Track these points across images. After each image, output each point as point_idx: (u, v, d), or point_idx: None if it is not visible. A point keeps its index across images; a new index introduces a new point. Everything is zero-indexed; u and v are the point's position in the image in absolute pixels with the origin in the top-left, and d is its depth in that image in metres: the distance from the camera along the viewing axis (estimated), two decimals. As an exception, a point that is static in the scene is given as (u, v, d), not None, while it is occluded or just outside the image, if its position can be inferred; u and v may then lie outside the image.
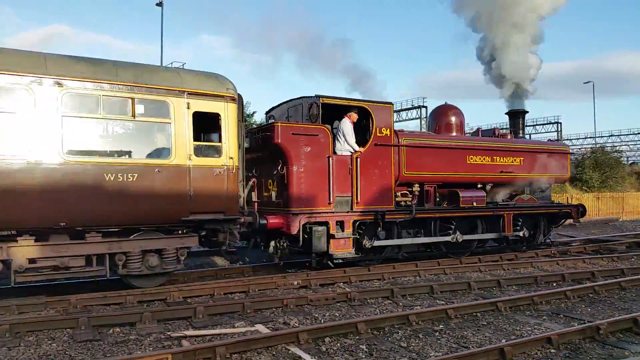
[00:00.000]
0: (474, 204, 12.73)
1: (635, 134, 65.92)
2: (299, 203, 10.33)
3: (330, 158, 10.65)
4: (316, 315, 7.73)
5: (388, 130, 11.50)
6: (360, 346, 6.24)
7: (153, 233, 8.91)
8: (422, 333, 6.79)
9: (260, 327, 7.03)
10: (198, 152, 8.98)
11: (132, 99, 8.39)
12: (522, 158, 14.02)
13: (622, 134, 66.39)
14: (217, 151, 9.16)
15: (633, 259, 13.15)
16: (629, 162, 52.48)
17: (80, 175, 7.97)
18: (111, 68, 8.43)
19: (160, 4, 39.53)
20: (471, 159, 13.07)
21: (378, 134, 11.35)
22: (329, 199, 10.64)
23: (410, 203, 12.05)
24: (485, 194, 13.19)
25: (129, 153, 8.65)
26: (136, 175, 8.35)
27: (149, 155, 8.76)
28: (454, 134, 13.78)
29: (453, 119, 13.90)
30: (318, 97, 10.79)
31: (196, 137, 9.04)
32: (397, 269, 11.60)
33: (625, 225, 26.07)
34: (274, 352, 6.01)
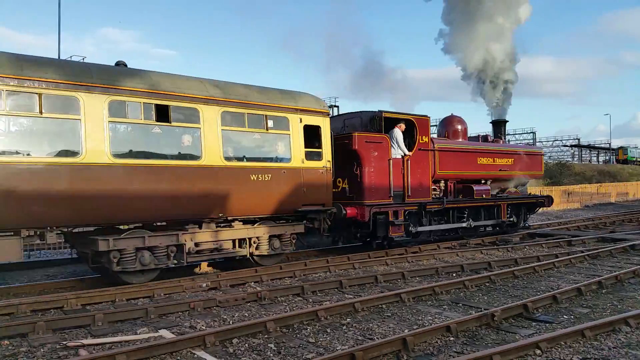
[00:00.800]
0: (483, 196, 15.74)
1: (528, 132, 72.42)
2: (369, 197, 12.69)
3: (390, 160, 13.11)
4: (225, 317, 7.60)
5: (427, 137, 14.12)
6: (269, 345, 6.22)
7: (269, 222, 11.21)
8: (330, 328, 6.89)
9: (164, 333, 6.79)
10: (307, 156, 11.56)
11: (265, 115, 10.89)
12: (512, 159, 17.32)
13: (516, 132, 72.05)
14: (319, 156, 11.78)
15: (525, 249, 14.18)
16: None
17: (235, 176, 10.37)
18: (255, 92, 11.00)
19: (57, -5, 37.06)
20: (480, 160, 16.16)
21: (420, 141, 13.89)
22: (390, 193, 13.11)
23: (439, 196, 14.73)
24: (489, 188, 16.25)
25: (264, 158, 11.05)
26: (270, 175, 10.85)
27: (277, 160, 11.20)
28: (460, 139, 16.28)
29: (459, 127, 16.49)
30: (381, 112, 13.32)
31: (305, 145, 11.52)
32: (309, 265, 11.71)
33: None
34: (178, 357, 5.83)
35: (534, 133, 73.82)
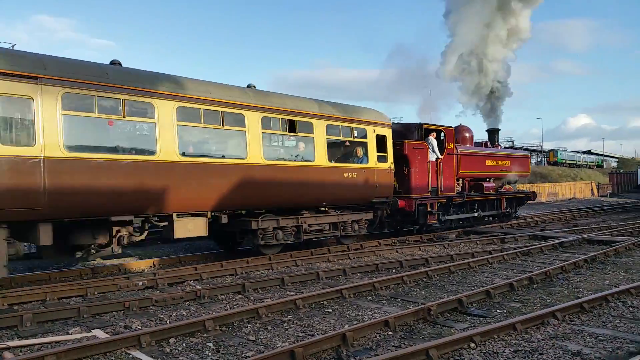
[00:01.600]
0: (490, 191, 19.38)
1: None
2: (415, 192, 15.91)
3: (429, 163, 16.45)
4: (162, 316, 7.40)
5: (452, 144, 17.67)
6: (208, 344, 6.11)
7: (348, 210, 14.05)
8: (271, 325, 6.85)
9: (98, 332, 6.54)
10: (378, 159, 14.54)
11: (352, 127, 13.90)
12: (509, 161, 21.02)
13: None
14: (385, 159, 14.79)
15: (461, 246, 14.65)
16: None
17: (336, 173, 13.37)
18: (348, 109, 14.14)
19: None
20: (487, 162, 19.80)
21: (448, 147, 17.38)
22: (428, 189, 16.47)
23: (459, 192, 18.14)
24: (494, 185, 19.91)
25: (352, 160, 14.11)
26: (356, 174, 13.85)
27: (359, 161, 14.12)
28: (468, 145, 19.41)
29: (467, 135, 19.68)
30: (422, 123, 16.78)
31: (377, 150, 14.49)
32: (251, 263, 11.61)
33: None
34: (112, 358, 5.62)
35: (512, 142, 75.50)
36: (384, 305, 7.97)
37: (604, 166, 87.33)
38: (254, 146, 11.43)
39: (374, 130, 14.46)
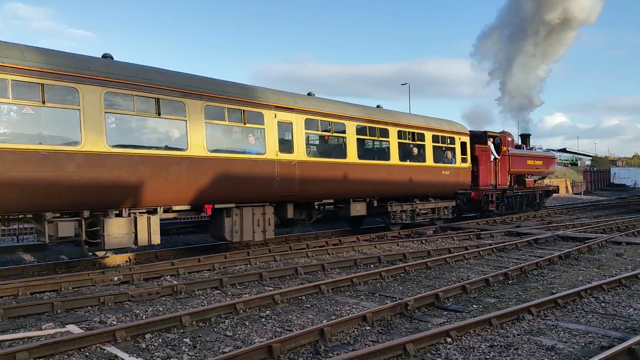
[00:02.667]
0: (530, 185, 25.01)
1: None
2: (482, 185, 20.57)
3: (491, 162, 21.35)
4: (137, 312, 7.31)
5: (506, 147, 22.68)
6: (184, 339, 6.05)
7: (439, 199, 18.53)
8: (249, 320, 6.82)
9: (72, 328, 6.43)
10: (462, 160, 18.99)
11: (446, 137, 18.37)
12: (542, 161, 26.38)
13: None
14: (466, 160, 19.30)
15: (438, 242, 14.78)
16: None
17: (437, 171, 17.80)
18: (442, 122, 18.60)
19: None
20: (528, 162, 25.08)
21: (503, 149, 22.38)
22: (490, 183, 21.28)
23: (509, 185, 23.12)
24: (532, 180, 25.59)
25: (446, 161, 18.38)
26: (449, 172, 18.29)
27: (450, 162, 18.52)
28: (510, 148, 23.52)
29: (509, 139, 23.71)
30: (486, 131, 21.82)
31: (460, 154, 19.06)
32: (229, 258, 11.54)
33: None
34: (87, 354, 5.53)
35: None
36: (362, 300, 7.99)
37: (578, 164, 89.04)
38: (394, 152, 16.17)
39: (460, 138, 19.19)
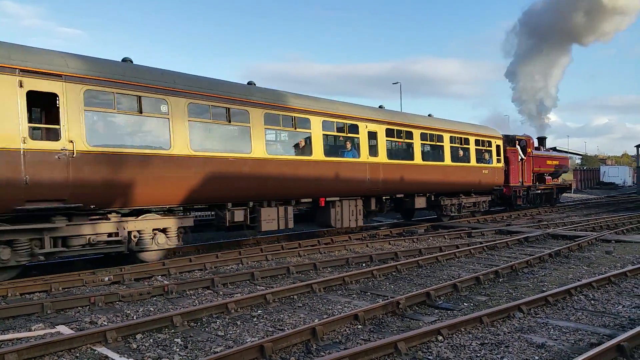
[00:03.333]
0: (548, 183, 28.38)
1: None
2: (512, 182, 23.75)
3: (519, 162, 24.57)
4: (128, 312, 7.27)
5: (531, 149, 25.89)
6: (175, 340, 6.02)
7: (477, 194, 21.57)
8: (241, 320, 6.80)
9: (62, 329, 6.39)
10: (497, 161, 22.07)
11: (485, 141, 21.36)
12: (558, 162, 29.69)
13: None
14: (500, 160, 22.50)
15: (429, 240, 14.84)
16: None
17: (479, 170, 20.79)
18: (479, 128, 21.90)
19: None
20: (547, 162, 28.29)
21: (528, 151, 25.49)
22: (518, 180, 24.45)
23: (532, 183, 26.21)
24: (550, 178, 29.06)
25: (484, 161, 21.27)
26: (487, 171, 21.20)
27: (488, 162, 21.50)
28: (529, 150, 26.03)
29: (531, 141, 26.74)
30: (515, 135, 25.48)
31: (496, 155, 22.33)
32: (220, 257, 11.51)
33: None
34: (77, 354, 5.49)
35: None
36: (353, 299, 8.00)
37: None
38: (447, 154, 19.15)
39: (495, 142, 22.33)
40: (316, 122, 13.97)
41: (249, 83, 13.29)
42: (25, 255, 8.75)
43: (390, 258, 11.61)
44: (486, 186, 21.60)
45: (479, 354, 5.46)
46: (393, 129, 16.65)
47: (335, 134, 15.02)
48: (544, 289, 8.42)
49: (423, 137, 17.97)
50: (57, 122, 9.01)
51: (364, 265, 10.93)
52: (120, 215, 10.12)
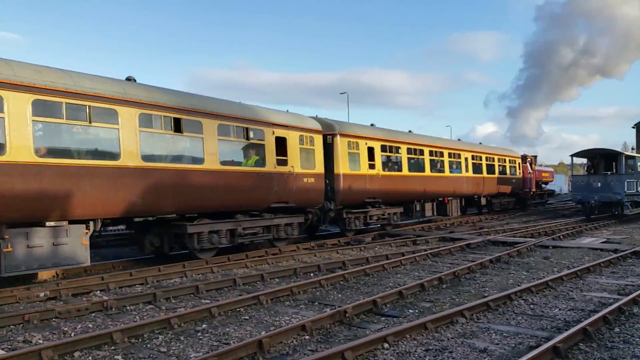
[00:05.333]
0: (546, 188, 38.38)
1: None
2: (525, 188, 32.68)
3: (529, 173, 33.31)
4: (65, 329, 6.94)
5: (534, 164, 35.04)
6: (116, 357, 5.79)
7: (505, 196, 31.07)
8: (184, 335, 6.62)
9: (-9, 350, 6.00)
10: (517, 173, 32.10)
11: (509, 159, 31.13)
12: (548, 174, 38.87)
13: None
14: (520, 173, 32.43)
15: (376, 248, 15.00)
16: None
17: (508, 180, 30.56)
18: (505, 150, 32.14)
19: None
20: (543, 174, 37.13)
21: (533, 166, 34.29)
22: (529, 187, 33.04)
23: (535, 189, 35.11)
24: (545, 185, 38.21)
25: (509, 174, 30.94)
26: (514, 180, 31.45)
27: (513, 173, 31.35)
28: (533, 164, 34.54)
29: (533, 159, 35.02)
30: (525, 155, 33.90)
31: (518, 168, 32.51)
32: (163, 271, 11.18)
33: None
34: (7, 378, 5.17)
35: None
36: (301, 309, 7.96)
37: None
38: (497, 169, 28.81)
39: (517, 160, 31.82)
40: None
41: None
42: None
43: (338, 267, 11.64)
44: (514, 190, 31.17)
45: (424, 361, 5.53)
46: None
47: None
48: (486, 295, 8.66)
49: (487, 159, 28.18)
50: None
51: (312, 275, 10.90)
52: None
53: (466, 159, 25.49)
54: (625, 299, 7.75)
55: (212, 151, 12.36)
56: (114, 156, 10.41)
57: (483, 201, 28.22)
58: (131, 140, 10.65)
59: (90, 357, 5.78)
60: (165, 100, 11.52)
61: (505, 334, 6.47)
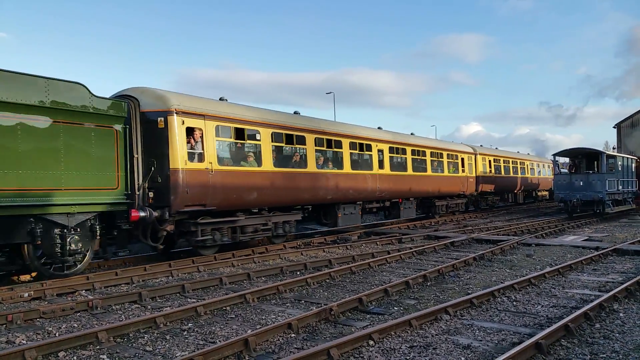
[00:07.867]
0: (540, 186, 41.22)
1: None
2: (540, 187, 41.17)
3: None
4: (50, 329, 6.90)
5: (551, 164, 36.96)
6: (101, 356, 5.78)
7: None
8: (170, 334, 6.62)
9: (-26, 351, 5.94)
10: (543, 174, 41.31)
11: (541, 164, 41.23)
12: (542, 170, 41.67)
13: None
14: (545, 174, 41.94)
15: (362, 247, 15.08)
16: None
17: (544, 181, 40.96)
18: (535, 157, 42.01)
19: None
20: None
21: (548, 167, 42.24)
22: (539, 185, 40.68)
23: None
24: (538, 184, 40.33)
25: (539, 174, 40.68)
26: (539, 180, 40.13)
27: (540, 174, 40.46)
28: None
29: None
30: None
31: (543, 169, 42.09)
32: (149, 270, 11.14)
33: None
34: (-9, 378, 5.14)
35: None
36: (287, 307, 7.99)
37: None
38: (528, 170, 36.86)
39: (545, 164, 39.90)
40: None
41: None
42: None
43: (324, 265, 11.70)
44: (535, 187, 38.45)
45: (408, 357, 5.60)
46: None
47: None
48: (469, 292, 8.77)
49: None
50: None
51: (298, 273, 10.94)
52: None
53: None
54: (606, 295, 7.91)
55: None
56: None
57: (520, 198, 36.32)
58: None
59: (75, 357, 5.76)
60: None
61: (488, 331, 6.57)
